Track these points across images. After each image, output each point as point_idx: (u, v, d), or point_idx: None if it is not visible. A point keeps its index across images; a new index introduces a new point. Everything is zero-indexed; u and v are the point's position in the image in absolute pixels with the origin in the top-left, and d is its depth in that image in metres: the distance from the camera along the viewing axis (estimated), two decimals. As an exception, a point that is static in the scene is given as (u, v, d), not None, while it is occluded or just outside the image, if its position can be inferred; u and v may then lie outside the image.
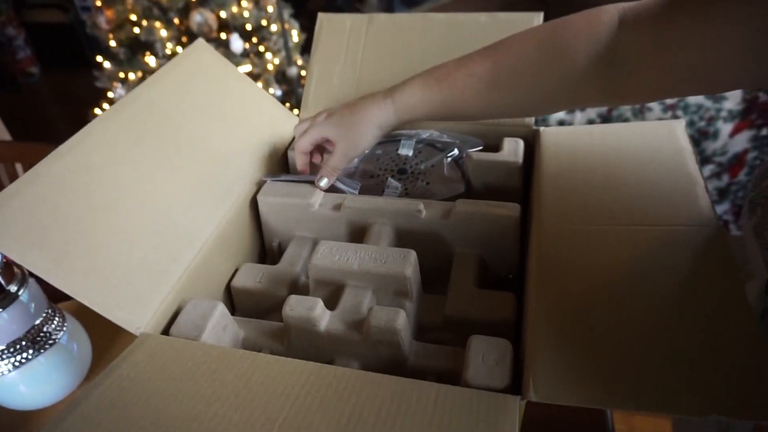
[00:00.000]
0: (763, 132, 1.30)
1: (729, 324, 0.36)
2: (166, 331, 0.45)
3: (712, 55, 0.38)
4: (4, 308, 0.51)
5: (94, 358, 0.66)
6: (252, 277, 0.54)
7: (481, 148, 0.60)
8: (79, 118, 2.11)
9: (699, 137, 1.31)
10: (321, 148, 0.60)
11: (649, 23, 0.41)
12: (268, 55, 1.85)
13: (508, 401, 0.35)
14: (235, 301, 0.55)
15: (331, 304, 0.47)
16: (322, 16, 0.70)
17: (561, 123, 1.35)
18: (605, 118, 1.34)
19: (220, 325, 0.45)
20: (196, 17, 1.72)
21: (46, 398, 0.59)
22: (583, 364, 0.35)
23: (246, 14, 1.77)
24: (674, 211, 0.45)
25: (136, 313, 0.43)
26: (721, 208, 1.41)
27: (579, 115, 1.34)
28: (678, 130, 0.54)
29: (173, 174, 0.52)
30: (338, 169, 0.56)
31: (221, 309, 0.45)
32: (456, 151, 0.61)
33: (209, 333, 0.43)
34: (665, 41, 0.40)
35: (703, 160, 1.34)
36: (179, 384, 0.37)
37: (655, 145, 0.53)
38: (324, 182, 0.56)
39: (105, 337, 0.65)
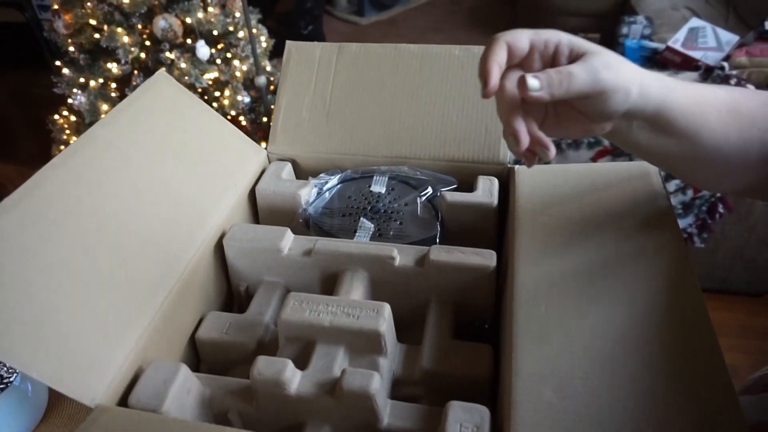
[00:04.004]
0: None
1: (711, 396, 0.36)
2: (125, 397, 0.42)
3: None
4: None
5: (52, 396, 0.63)
6: (218, 327, 0.51)
7: (455, 186, 0.59)
8: (37, 122, 2.02)
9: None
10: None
11: None
12: (236, 62, 1.81)
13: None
14: (200, 352, 0.52)
15: (301, 361, 0.45)
16: (290, 45, 0.68)
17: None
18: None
19: (183, 390, 0.42)
20: (161, 23, 1.66)
21: (0, 443, 0.56)
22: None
23: (212, 20, 1.72)
24: (654, 270, 0.45)
25: (92, 382, 0.40)
26: (685, 222, 1.44)
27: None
28: (652, 172, 0.54)
29: (133, 223, 0.49)
30: (576, 81, 0.36)
31: (184, 371, 0.43)
32: (430, 190, 0.59)
33: (171, 401, 0.41)
34: None
35: (669, 175, 1.36)
36: (138, 469, 0.34)
37: (629, 189, 0.52)
38: (535, 84, 0.36)
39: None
